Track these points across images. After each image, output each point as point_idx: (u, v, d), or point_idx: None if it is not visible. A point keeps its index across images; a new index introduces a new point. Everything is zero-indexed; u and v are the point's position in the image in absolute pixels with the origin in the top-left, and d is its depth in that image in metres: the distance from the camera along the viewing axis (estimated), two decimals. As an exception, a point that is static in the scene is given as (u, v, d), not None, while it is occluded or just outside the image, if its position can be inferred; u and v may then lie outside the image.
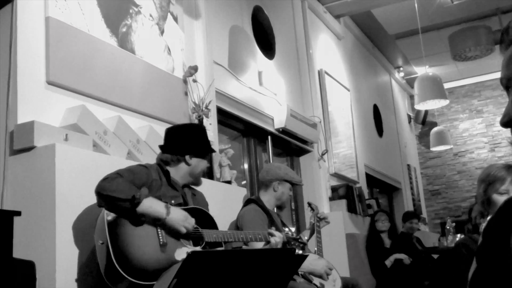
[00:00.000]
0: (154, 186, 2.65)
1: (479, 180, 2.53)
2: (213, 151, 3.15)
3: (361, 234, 6.01)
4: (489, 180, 2.46)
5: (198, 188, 2.99)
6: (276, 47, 5.76)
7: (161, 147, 2.90)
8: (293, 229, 3.32)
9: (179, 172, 2.83)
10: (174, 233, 2.52)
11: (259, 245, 3.14)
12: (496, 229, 1.05)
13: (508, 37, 1.00)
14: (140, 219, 2.45)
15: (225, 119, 4.76)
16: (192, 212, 2.68)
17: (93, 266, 2.49)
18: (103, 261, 2.37)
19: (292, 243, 3.16)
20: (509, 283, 0.96)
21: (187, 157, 2.83)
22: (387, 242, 5.92)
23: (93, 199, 2.45)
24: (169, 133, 2.91)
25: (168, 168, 2.81)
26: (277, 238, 2.97)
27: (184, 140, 2.87)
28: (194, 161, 2.85)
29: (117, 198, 2.37)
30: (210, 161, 3.91)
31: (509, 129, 1.00)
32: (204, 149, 2.93)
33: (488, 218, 1.12)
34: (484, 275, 1.05)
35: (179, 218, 2.51)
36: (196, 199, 2.90)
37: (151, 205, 2.45)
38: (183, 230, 2.50)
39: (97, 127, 3.00)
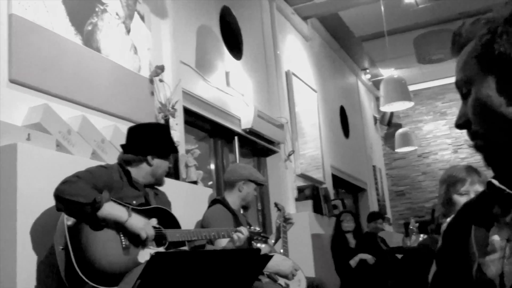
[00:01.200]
0: (115, 187, 2.61)
1: (441, 181, 2.57)
2: (176, 151, 3.13)
3: (326, 234, 6.05)
4: (450, 181, 2.50)
5: (161, 188, 2.96)
6: (244, 48, 5.76)
7: (123, 146, 2.86)
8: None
9: (140, 172, 2.79)
10: (136, 235, 2.48)
11: (224, 241, 3.13)
12: (455, 232, 1.06)
13: (460, 39, 1.01)
14: (100, 224, 2.40)
15: (192, 119, 4.74)
16: (154, 211, 2.66)
17: (54, 271, 2.44)
18: (64, 267, 2.32)
19: (255, 237, 3.16)
20: (468, 286, 0.98)
21: (149, 157, 2.80)
22: (352, 242, 5.97)
23: (56, 200, 2.41)
24: (131, 132, 2.88)
25: (129, 168, 2.77)
26: (240, 234, 2.96)
27: (146, 140, 2.83)
28: (156, 161, 2.82)
29: (77, 203, 2.32)
30: (176, 161, 3.89)
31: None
32: (166, 150, 2.89)
33: (448, 219, 1.14)
34: (443, 278, 1.06)
35: (140, 222, 2.46)
36: (159, 199, 2.87)
37: (112, 209, 2.41)
38: (143, 235, 2.45)
39: (60, 126, 2.95)
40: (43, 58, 3.06)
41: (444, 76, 10.39)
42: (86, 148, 3.10)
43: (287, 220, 4.02)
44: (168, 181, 3.07)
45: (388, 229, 8.88)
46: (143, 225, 2.46)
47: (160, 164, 2.84)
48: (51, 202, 2.41)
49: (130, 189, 2.70)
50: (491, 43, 0.92)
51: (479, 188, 2.42)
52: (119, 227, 2.45)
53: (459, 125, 1.00)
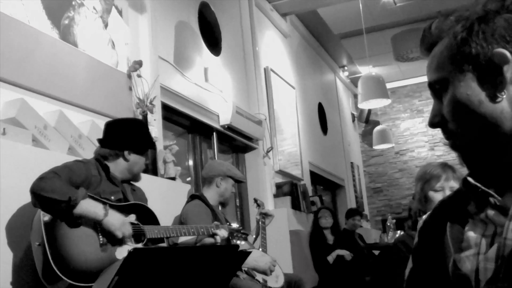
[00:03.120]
0: (93, 182, 2.60)
1: (417, 178, 2.60)
2: (154, 147, 3.11)
3: (304, 230, 6.07)
4: (426, 178, 2.53)
5: (138, 184, 2.94)
6: (222, 44, 5.75)
7: (99, 141, 2.84)
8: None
9: (117, 167, 2.78)
10: (112, 234, 2.46)
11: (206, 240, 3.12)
12: (431, 228, 1.07)
13: (430, 37, 1.02)
14: (77, 221, 2.38)
15: (170, 115, 4.72)
16: (133, 207, 2.65)
17: (29, 268, 2.41)
18: (40, 263, 2.30)
19: (235, 234, 3.17)
20: (443, 283, 0.99)
21: (125, 152, 2.78)
22: (330, 238, 6.01)
23: (31, 196, 2.38)
24: (109, 127, 2.86)
25: (106, 163, 2.75)
26: (220, 232, 2.97)
27: (124, 135, 2.82)
28: (132, 157, 2.80)
29: (53, 199, 2.29)
30: (154, 157, 3.87)
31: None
32: (143, 145, 2.88)
33: (424, 216, 1.15)
34: (419, 275, 1.07)
35: (117, 222, 2.45)
36: (136, 195, 2.86)
37: (88, 206, 2.38)
38: (119, 235, 2.43)
39: (37, 121, 2.92)
40: (19, 52, 3.02)
41: (421, 74, 10.48)
42: (63, 143, 3.07)
43: (265, 215, 4.03)
44: (146, 177, 3.05)
45: (365, 226, 8.95)
46: (119, 225, 2.43)
47: (137, 160, 2.83)
48: (28, 198, 2.38)
49: (108, 184, 2.69)
50: (467, 41, 0.93)
51: (454, 184, 2.46)
52: (96, 224, 2.43)
53: (433, 124, 1.01)
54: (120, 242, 2.46)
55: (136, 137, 2.84)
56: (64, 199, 2.30)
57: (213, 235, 2.97)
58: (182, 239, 3.24)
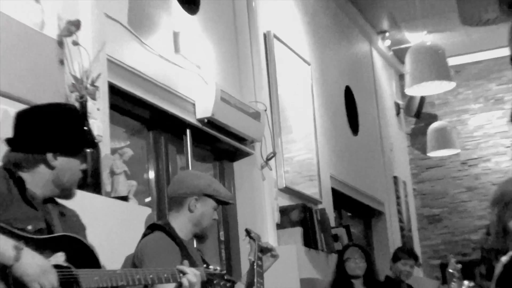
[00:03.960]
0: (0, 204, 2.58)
1: (492, 201, 2.61)
2: (93, 146, 3.10)
3: (323, 279, 6.07)
4: (505, 202, 2.54)
5: (70, 205, 2.93)
6: (202, -3, 5.77)
7: (9, 141, 2.82)
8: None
9: (37, 179, 2.75)
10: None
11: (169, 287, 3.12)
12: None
13: None
14: None
15: (122, 102, 4.74)
16: (61, 242, 2.64)
17: None
18: None
19: (215, 282, 3.17)
20: None
21: (48, 155, 2.75)
22: (362, 291, 6.01)
23: None
24: (22, 118, 2.83)
25: (21, 173, 2.74)
26: (191, 277, 2.96)
27: (44, 129, 2.79)
28: (60, 161, 2.77)
29: None
30: (97, 166, 3.86)
31: None
32: (76, 143, 2.86)
33: (504, 258, 1.13)
34: None
35: (34, 268, 2.43)
36: (67, 221, 2.84)
37: None
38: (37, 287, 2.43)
39: None
40: None
41: (501, 45, 10.51)
42: (-42, 143, 3.07)
43: (264, 252, 4.02)
44: (84, 196, 3.05)
45: (416, 273, 8.95)
46: (39, 272, 2.42)
47: (67, 165, 2.79)
48: None
49: (23, 207, 2.66)
50: None
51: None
52: (2, 271, 2.41)
53: None
54: None
55: (64, 131, 2.81)
56: None
57: (181, 285, 2.96)
58: None
